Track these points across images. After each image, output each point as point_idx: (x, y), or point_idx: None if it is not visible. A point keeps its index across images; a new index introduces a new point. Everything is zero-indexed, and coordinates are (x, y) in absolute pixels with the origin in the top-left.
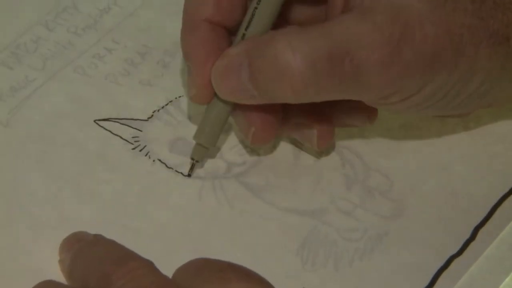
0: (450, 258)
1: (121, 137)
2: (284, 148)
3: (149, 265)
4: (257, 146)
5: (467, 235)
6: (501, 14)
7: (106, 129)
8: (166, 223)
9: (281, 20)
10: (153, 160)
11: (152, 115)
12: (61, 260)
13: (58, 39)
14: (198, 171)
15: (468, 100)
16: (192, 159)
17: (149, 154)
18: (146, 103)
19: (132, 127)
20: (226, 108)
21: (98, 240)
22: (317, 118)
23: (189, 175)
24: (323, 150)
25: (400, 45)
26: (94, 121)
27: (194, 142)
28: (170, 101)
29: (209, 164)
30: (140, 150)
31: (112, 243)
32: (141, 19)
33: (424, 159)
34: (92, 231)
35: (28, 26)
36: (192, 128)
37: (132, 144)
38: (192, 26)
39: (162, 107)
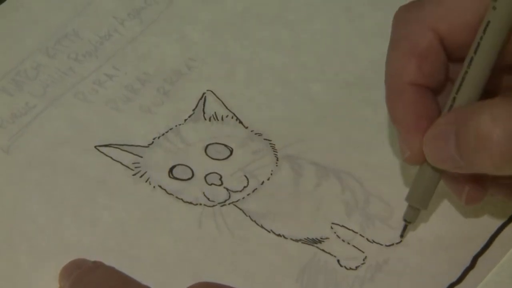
0: (450, 286)
1: (121, 163)
2: (284, 175)
3: None
4: (470, 205)
5: (467, 263)
6: None
7: (107, 155)
8: (166, 250)
9: (490, 87)
10: (154, 186)
11: (153, 142)
12: (61, 287)
13: (59, 66)
14: (197, 197)
15: None
16: (405, 220)
17: (149, 180)
18: (147, 129)
19: (133, 153)
20: (439, 170)
21: (98, 266)
22: None
23: (401, 236)
24: None
25: None
26: (95, 147)
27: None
28: (170, 129)
29: (210, 191)
30: (141, 176)
31: (111, 270)
32: (142, 46)
33: None
34: (92, 257)
35: (29, 52)
36: (192, 155)
37: (133, 170)
38: (398, 90)
39: (163, 134)
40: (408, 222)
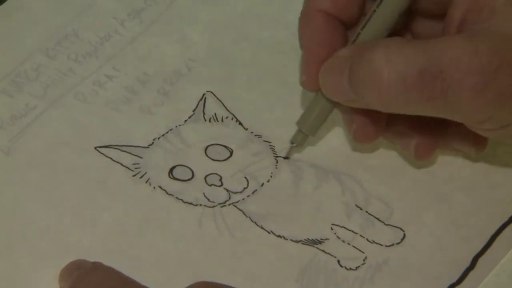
0: (450, 286)
1: (121, 164)
2: (284, 177)
3: None
4: (359, 143)
5: (467, 264)
6: None
7: (107, 156)
8: (166, 250)
9: (404, 31)
10: (154, 187)
11: (153, 143)
12: (61, 287)
13: (59, 67)
14: (197, 198)
15: None
16: (292, 143)
17: (149, 181)
18: (147, 130)
19: (133, 154)
20: (331, 101)
21: (97, 267)
22: (419, 131)
23: (287, 158)
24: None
25: (497, 74)
26: (95, 148)
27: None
28: (170, 129)
29: (210, 191)
30: (141, 177)
31: (111, 271)
32: (141, 47)
33: (424, 188)
34: (92, 258)
35: (29, 53)
36: (192, 156)
37: (133, 171)
38: (309, 16)
39: (163, 135)
40: (294, 145)
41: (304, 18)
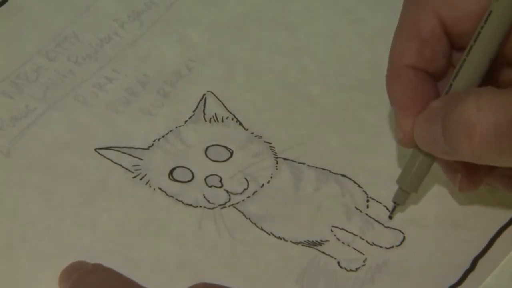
0: None
1: (121, 166)
2: (284, 178)
3: None
4: (464, 192)
5: (467, 265)
6: None
7: (107, 158)
8: (165, 252)
9: (491, 81)
10: (154, 189)
11: (153, 144)
12: None
13: (59, 68)
14: (197, 199)
15: None
16: (394, 202)
17: (149, 182)
18: (147, 132)
19: (133, 156)
20: (430, 155)
21: (97, 269)
22: None
23: (390, 218)
24: None
25: None
26: (95, 150)
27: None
28: (171, 130)
29: (210, 193)
30: (141, 179)
31: (110, 272)
32: (141, 48)
33: (424, 189)
34: (92, 260)
35: (29, 55)
36: (192, 157)
37: (133, 172)
38: (396, 72)
39: (163, 136)
40: (397, 204)
41: (392, 75)
